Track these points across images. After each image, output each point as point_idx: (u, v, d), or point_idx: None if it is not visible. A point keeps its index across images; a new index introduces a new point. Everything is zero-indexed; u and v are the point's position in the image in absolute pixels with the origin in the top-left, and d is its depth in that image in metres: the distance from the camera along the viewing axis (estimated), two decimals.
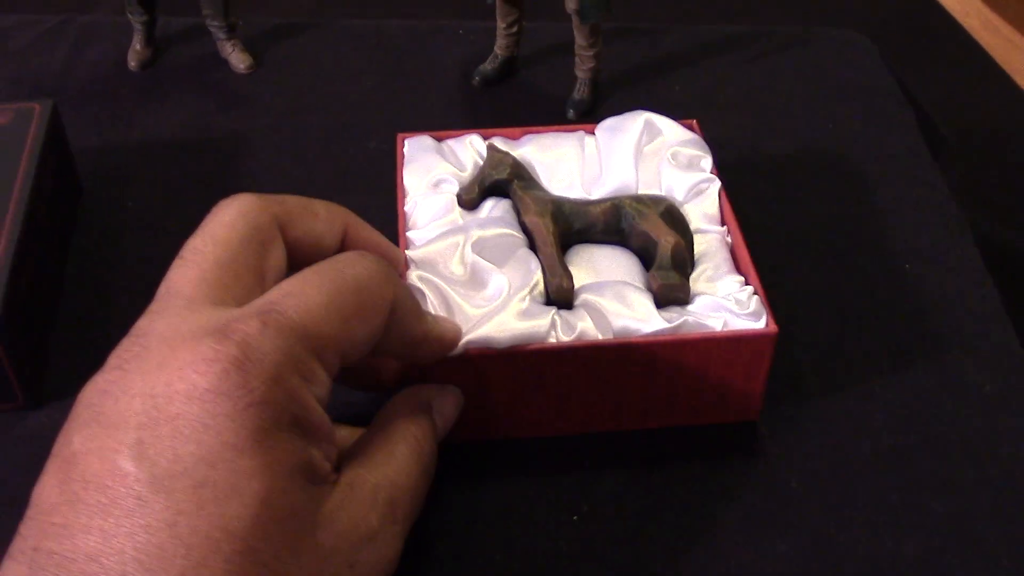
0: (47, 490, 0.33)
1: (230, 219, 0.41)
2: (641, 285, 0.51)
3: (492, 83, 0.76)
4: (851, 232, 0.65)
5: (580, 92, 0.73)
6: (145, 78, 0.77)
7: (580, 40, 0.71)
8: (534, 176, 0.56)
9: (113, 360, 0.36)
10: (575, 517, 0.49)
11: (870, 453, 0.52)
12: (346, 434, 0.44)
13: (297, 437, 0.35)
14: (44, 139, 0.59)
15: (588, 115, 0.73)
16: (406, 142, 0.59)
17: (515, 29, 0.74)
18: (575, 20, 0.70)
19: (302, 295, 0.36)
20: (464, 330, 0.47)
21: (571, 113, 0.73)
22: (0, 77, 0.76)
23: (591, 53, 0.72)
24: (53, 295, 0.58)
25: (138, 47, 0.77)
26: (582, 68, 0.73)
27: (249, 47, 0.78)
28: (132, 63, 0.77)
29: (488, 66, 0.76)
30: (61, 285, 0.60)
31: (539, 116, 0.73)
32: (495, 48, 0.76)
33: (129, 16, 0.76)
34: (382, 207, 0.65)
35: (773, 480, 0.51)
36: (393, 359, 0.47)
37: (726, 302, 0.50)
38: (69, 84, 0.76)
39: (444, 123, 0.69)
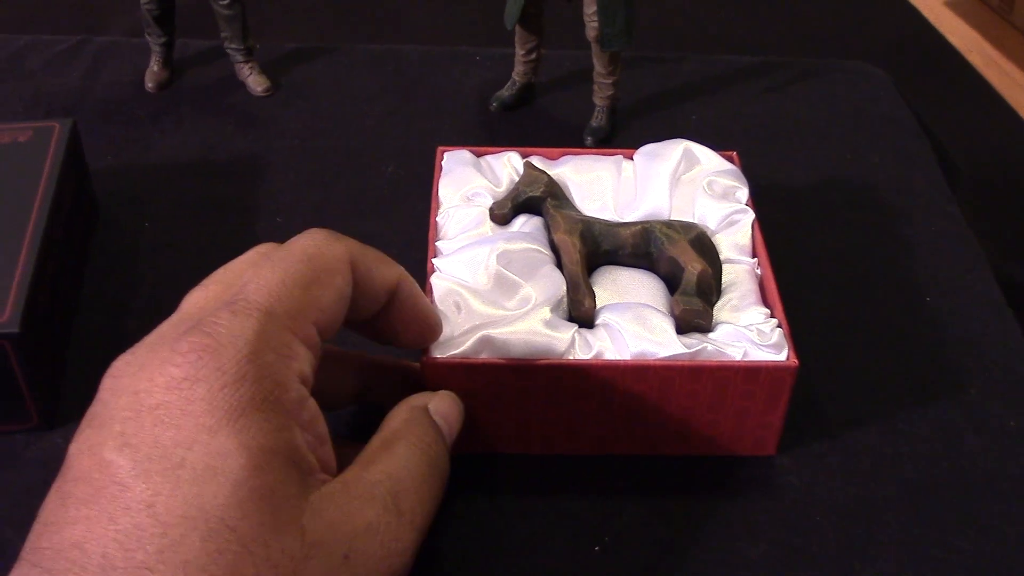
0: (48, 499, 0.34)
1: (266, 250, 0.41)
2: (664, 310, 0.51)
3: (510, 109, 0.76)
4: (872, 264, 0.65)
5: (598, 119, 0.73)
6: (162, 99, 0.77)
7: (599, 68, 0.71)
8: (568, 196, 0.57)
9: (109, 371, 0.37)
10: (596, 548, 0.48)
11: (894, 488, 0.52)
12: (350, 452, 0.44)
13: (275, 415, 0.35)
14: (63, 158, 0.58)
15: (606, 142, 0.73)
16: (445, 155, 0.59)
17: (533, 56, 0.74)
18: (595, 48, 0.70)
19: (259, 278, 0.37)
20: (482, 333, 0.47)
21: (589, 140, 0.73)
22: (17, 97, 0.76)
23: (610, 81, 0.72)
24: (68, 316, 0.58)
25: (155, 68, 0.77)
26: (600, 96, 0.73)
27: (266, 70, 0.78)
28: (149, 84, 0.77)
29: (506, 92, 0.76)
30: (77, 306, 0.59)
31: (557, 142, 0.72)
32: (513, 74, 0.76)
33: (147, 37, 0.76)
34: (399, 231, 0.65)
35: (796, 514, 0.50)
36: (383, 327, 0.45)
37: (748, 332, 0.49)
38: (86, 105, 0.76)
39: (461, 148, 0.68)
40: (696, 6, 1.02)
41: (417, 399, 0.45)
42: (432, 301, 0.50)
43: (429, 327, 0.46)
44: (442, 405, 0.45)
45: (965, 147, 0.97)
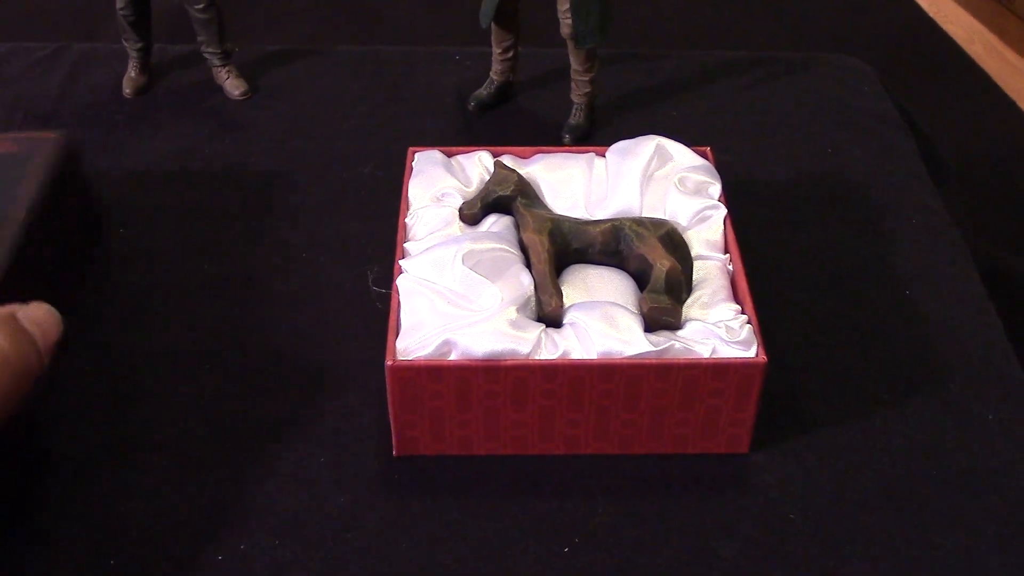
0: None
1: None
2: (633, 308, 0.50)
3: (488, 108, 0.76)
4: (853, 259, 0.64)
5: (576, 117, 0.73)
6: (140, 105, 0.76)
7: (576, 65, 0.71)
8: (539, 195, 0.56)
9: None
10: (566, 549, 0.48)
11: (871, 484, 0.51)
12: None
13: None
14: (51, 171, 0.57)
15: (584, 140, 0.72)
16: (416, 155, 0.58)
17: (510, 54, 0.74)
18: (570, 45, 0.69)
19: None
20: (448, 335, 0.47)
21: (567, 138, 0.72)
22: None
23: (587, 78, 0.71)
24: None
25: (133, 74, 0.77)
26: (578, 93, 0.72)
27: (244, 73, 0.78)
28: (127, 90, 0.77)
29: (484, 91, 0.75)
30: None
31: (535, 140, 0.72)
32: (490, 73, 0.75)
33: (124, 43, 0.76)
34: (378, 231, 0.64)
35: (771, 512, 0.49)
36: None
37: (717, 329, 0.49)
38: (64, 111, 0.76)
39: (440, 148, 0.68)
40: (679, 1, 1.02)
41: (9, 307, 0.44)
42: (398, 303, 0.50)
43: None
44: (35, 312, 0.44)
45: (958, 139, 0.96)
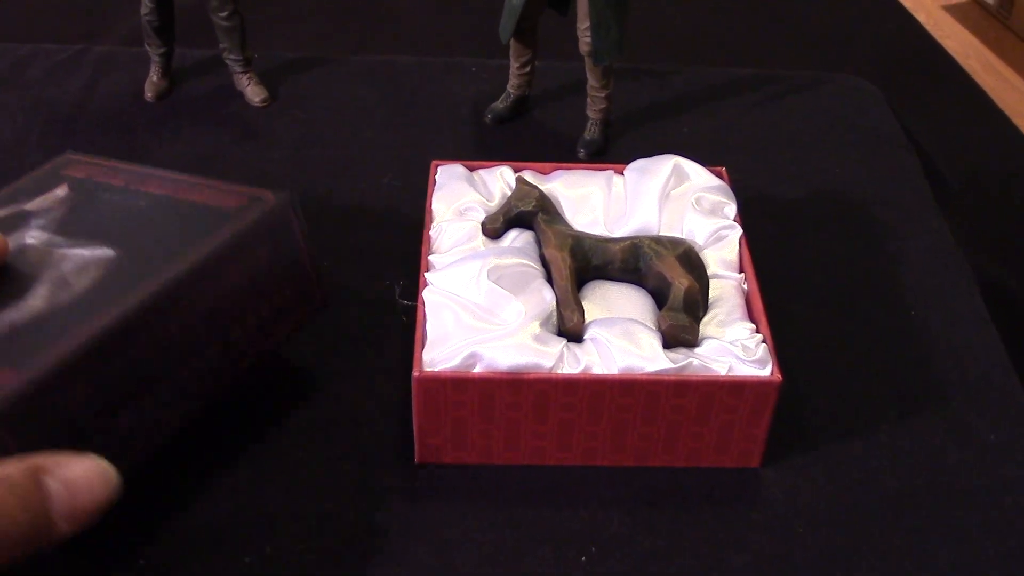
0: None
1: None
2: (652, 324, 0.52)
3: (504, 121, 0.77)
4: (858, 277, 0.66)
5: (591, 132, 0.74)
6: (161, 109, 0.78)
7: (592, 81, 0.72)
8: (560, 211, 0.58)
9: None
10: (583, 558, 0.49)
11: (875, 499, 0.53)
12: None
13: None
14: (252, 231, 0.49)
15: (599, 155, 0.74)
16: (439, 169, 0.60)
17: (528, 69, 0.75)
18: (588, 62, 0.71)
19: None
20: (473, 347, 0.48)
21: (582, 153, 0.74)
22: (16, 107, 0.77)
23: (603, 95, 0.73)
24: None
25: (155, 78, 0.78)
26: (594, 109, 0.74)
27: (265, 80, 0.79)
28: (149, 94, 0.78)
29: (500, 104, 0.77)
30: None
31: (550, 154, 0.74)
32: (508, 87, 0.77)
33: (147, 47, 0.77)
34: (398, 241, 0.65)
35: (779, 525, 0.51)
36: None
37: (733, 348, 0.51)
38: (85, 114, 0.77)
39: (456, 159, 0.69)
40: (689, 17, 1.03)
41: (42, 458, 0.38)
42: (424, 315, 0.51)
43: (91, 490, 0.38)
44: (71, 469, 0.38)
45: (958, 158, 0.98)
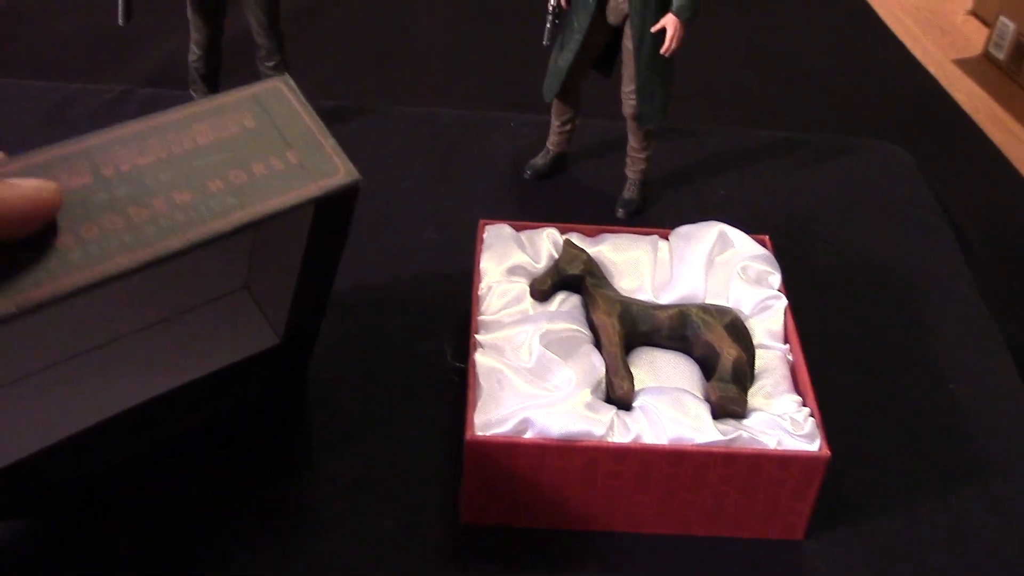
0: None
1: None
2: (700, 394, 0.52)
3: (543, 177, 0.78)
4: (896, 349, 0.66)
5: (630, 192, 0.75)
6: None
7: (633, 143, 0.73)
8: (606, 275, 0.58)
9: None
10: None
11: (914, 573, 0.53)
12: None
13: None
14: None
15: (637, 215, 0.75)
16: (486, 228, 0.61)
17: (568, 127, 0.76)
18: (631, 124, 0.72)
19: None
20: (525, 413, 0.48)
21: (620, 212, 0.74)
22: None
23: (643, 155, 0.73)
24: None
25: None
26: (633, 169, 0.74)
27: None
28: None
29: (540, 160, 0.78)
30: None
31: (588, 212, 0.74)
32: (548, 143, 0.78)
33: (191, 92, 0.78)
34: (442, 297, 0.66)
35: None
36: None
37: (782, 421, 0.51)
38: None
39: (494, 214, 0.70)
40: (722, 78, 1.05)
41: None
42: (476, 377, 0.52)
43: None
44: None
45: (980, 217, 0.99)
